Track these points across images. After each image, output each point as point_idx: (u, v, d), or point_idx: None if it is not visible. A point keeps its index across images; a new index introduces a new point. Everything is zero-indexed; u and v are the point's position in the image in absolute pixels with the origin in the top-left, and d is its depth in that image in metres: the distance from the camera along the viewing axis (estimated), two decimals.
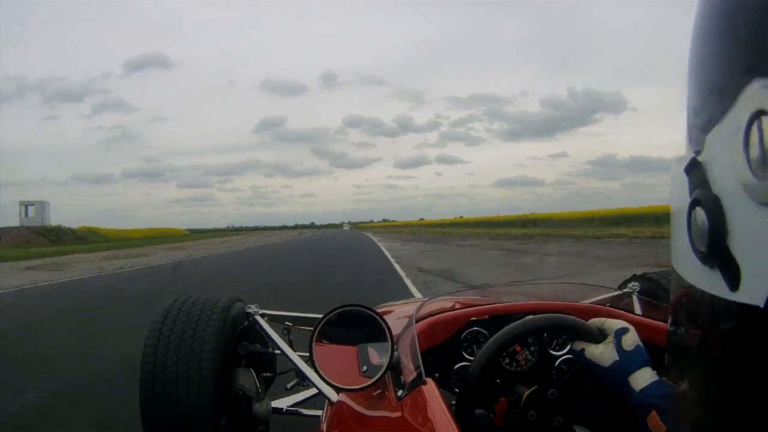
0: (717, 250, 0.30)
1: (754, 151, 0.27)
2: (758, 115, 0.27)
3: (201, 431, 1.29)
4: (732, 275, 0.29)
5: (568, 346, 0.97)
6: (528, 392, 0.87)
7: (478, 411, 0.87)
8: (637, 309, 1.33)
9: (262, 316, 1.62)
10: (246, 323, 1.57)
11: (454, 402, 0.78)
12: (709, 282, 0.31)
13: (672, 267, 0.39)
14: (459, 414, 0.71)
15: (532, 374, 0.94)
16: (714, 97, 0.32)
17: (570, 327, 0.76)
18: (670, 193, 0.39)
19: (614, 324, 0.75)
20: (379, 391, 0.82)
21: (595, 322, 0.78)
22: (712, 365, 0.33)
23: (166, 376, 1.31)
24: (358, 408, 0.84)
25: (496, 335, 0.76)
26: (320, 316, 0.82)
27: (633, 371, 0.68)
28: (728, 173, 0.29)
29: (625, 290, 1.63)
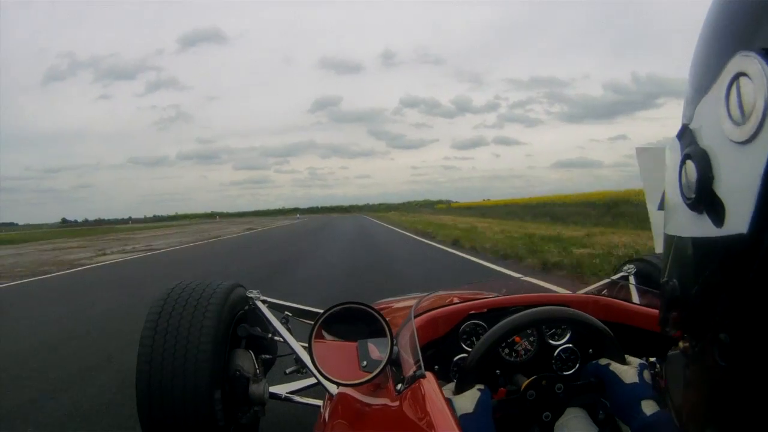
0: (705, 194, 0.34)
1: (733, 103, 0.32)
2: (737, 76, 0.32)
3: (196, 405, 1.30)
4: (718, 214, 0.33)
5: (567, 335, 0.99)
6: (527, 382, 0.89)
7: None
8: (634, 296, 1.34)
9: (263, 302, 1.64)
10: (246, 308, 1.59)
11: (453, 393, 0.80)
12: (697, 226, 0.36)
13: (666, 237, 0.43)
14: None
15: (532, 364, 0.96)
16: (703, 73, 0.37)
17: (599, 334, 0.82)
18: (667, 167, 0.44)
19: (637, 360, 0.81)
20: (379, 384, 0.84)
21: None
22: (708, 309, 0.36)
23: (165, 350, 1.32)
24: (358, 400, 0.86)
25: (497, 326, 0.78)
26: (319, 310, 0.83)
27: (646, 398, 0.73)
28: (713, 130, 0.34)
29: (621, 274, 1.64)
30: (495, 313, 1.02)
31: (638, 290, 1.37)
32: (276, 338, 1.60)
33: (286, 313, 1.72)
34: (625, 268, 1.67)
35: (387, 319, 0.82)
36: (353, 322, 0.84)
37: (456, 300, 1.16)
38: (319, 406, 1.17)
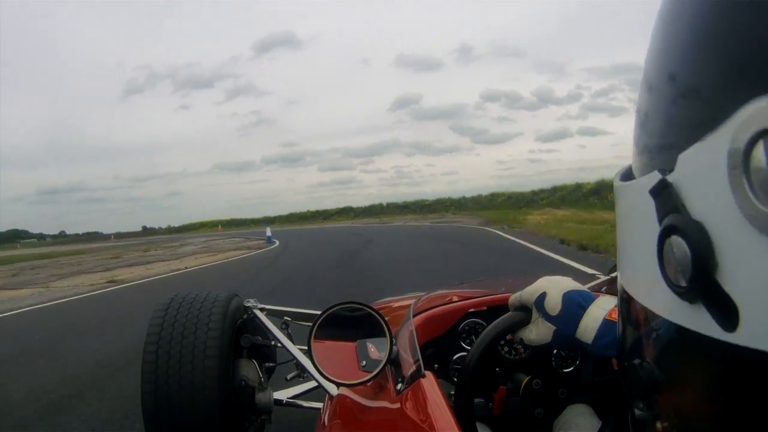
0: (704, 286, 0.25)
1: (759, 176, 0.23)
2: (762, 135, 0.23)
3: (206, 420, 1.30)
4: (726, 314, 0.24)
5: None
6: (527, 380, 0.89)
7: (477, 399, 0.89)
8: None
9: (261, 310, 1.64)
10: (245, 317, 1.59)
11: (453, 392, 0.79)
12: (692, 319, 0.27)
13: (622, 291, 0.36)
14: (457, 404, 0.72)
15: (531, 362, 0.95)
16: (695, 106, 0.27)
17: (501, 328, 0.72)
18: (623, 214, 0.35)
19: (531, 295, 0.69)
20: (378, 384, 0.84)
21: (512, 301, 0.73)
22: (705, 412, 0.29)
23: (169, 366, 1.32)
24: (358, 401, 0.85)
25: (492, 324, 0.77)
26: (318, 312, 0.83)
27: (574, 330, 0.64)
28: (715, 198, 0.25)
29: (614, 274, 1.64)
30: (495, 310, 1.02)
31: None
32: (276, 345, 1.60)
33: (286, 318, 1.72)
34: None
35: (386, 318, 0.82)
36: (352, 322, 0.83)
37: (455, 298, 1.16)
38: (319, 409, 1.16)
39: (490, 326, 0.72)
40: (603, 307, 0.64)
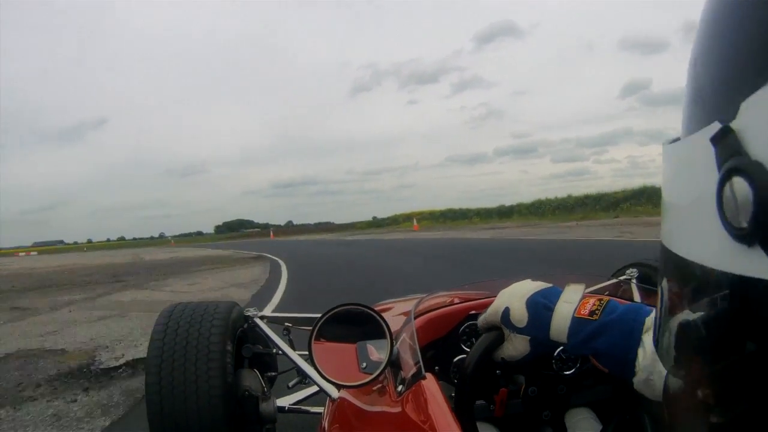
0: (764, 225, 0.25)
1: None
2: None
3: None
4: None
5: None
6: (524, 387, 0.88)
7: (478, 402, 0.88)
8: (636, 297, 1.33)
9: (261, 318, 1.64)
10: (245, 326, 1.59)
11: (453, 394, 0.79)
12: (746, 262, 0.26)
13: (666, 258, 0.35)
14: (458, 406, 0.72)
15: (532, 364, 0.95)
16: (756, 53, 0.27)
17: (479, 352, 0.70)
18: (673, 172, 0.35)
19: (495, 314, 0.68)
20: (379, 387, 0.83)
21: (481, 324, 0.72)
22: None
23: (174, 378, 1.32)
24: (358, 404, 0.85)
25: (472, 351, 0.77)
26: (319, 315, 0.83)
27: (546, 334, 0.62)
28: None
29: (623, 278, 1.64)
30: None
31: (641, 291, 1.37)
32: (277, 352, 1.60)
33: (287, 324, 1.71)
34: (628, 271, 1.66)
35: (387, 320, 0.82)
36: (353, 324, 0.83)
37: (456, 300, 1.15)
38: (321, 414, 1.16)
39: (471, 352, 0.71)
40: (570, 301, 0.62)
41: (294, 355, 1.51)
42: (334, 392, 1.04)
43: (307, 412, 1.64)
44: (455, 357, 0.98)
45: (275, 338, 1.57)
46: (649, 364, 0.54)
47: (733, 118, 0.28)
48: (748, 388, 0.28)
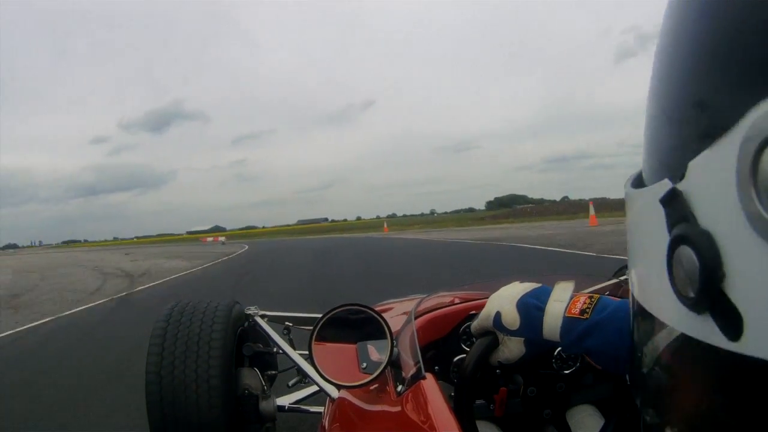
0: (711, 296, 0.25)
1: (766, 184, 0.22)
2: None
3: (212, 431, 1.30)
4: (731, 324, 0.24)
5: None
6: (522, 387, 0.88)
7: (478, 401, 0.88)
8: None
9: (262, 317, 1.64)
10: (246, 324, 1.59)
11: (453, 394, 0.79)
12: (698, 329, 0.27)
13: (633, 299, 0.36)
14: (458, 406, 0.72)
15: (531, 364, 0.95)
16: (701, 114, 0.27)
17: (476, 357, 0.70)
18: (633, 222, 0.35)
19: (487, 320, 0.67)
20: (379, 387, 0.83)
21: (474, 330, 0.72)
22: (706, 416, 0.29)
23: (174, 377, 1.32)
24: (358, 404, 0.85)
25: (468, 355, 0.76)
26: (319, 315, 0.83)
27: (539, 335, 0.61)
28: (724, 207, 0.24)
29: (622, 278, 1.63)
30: None
31: None
32: (278, 351, 1.60)
33: (287, 323, 1.71)
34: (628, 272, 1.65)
35: (387, 320, 0.82)
36: (354, 324, 0.83)
37: (457, 300, 1.15)
38: (321, 413, 1.16)
39: (468, 356, 0.71)
40: (561, 300, 0.61)
41: (294, 354, 1.51)
42: (334, 392, 1.04)
43: (307, 411, 1.64)
44: (455, 357, 0.98)
45: (276, 337, 1.57)
46: None
47: (681, 178, 0.27)
48: None
